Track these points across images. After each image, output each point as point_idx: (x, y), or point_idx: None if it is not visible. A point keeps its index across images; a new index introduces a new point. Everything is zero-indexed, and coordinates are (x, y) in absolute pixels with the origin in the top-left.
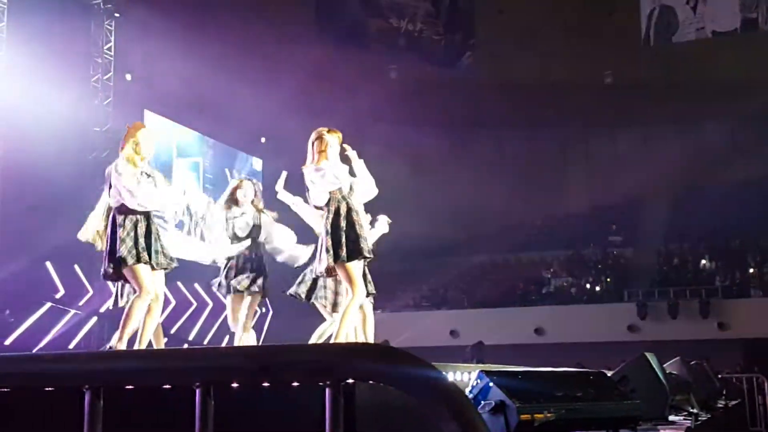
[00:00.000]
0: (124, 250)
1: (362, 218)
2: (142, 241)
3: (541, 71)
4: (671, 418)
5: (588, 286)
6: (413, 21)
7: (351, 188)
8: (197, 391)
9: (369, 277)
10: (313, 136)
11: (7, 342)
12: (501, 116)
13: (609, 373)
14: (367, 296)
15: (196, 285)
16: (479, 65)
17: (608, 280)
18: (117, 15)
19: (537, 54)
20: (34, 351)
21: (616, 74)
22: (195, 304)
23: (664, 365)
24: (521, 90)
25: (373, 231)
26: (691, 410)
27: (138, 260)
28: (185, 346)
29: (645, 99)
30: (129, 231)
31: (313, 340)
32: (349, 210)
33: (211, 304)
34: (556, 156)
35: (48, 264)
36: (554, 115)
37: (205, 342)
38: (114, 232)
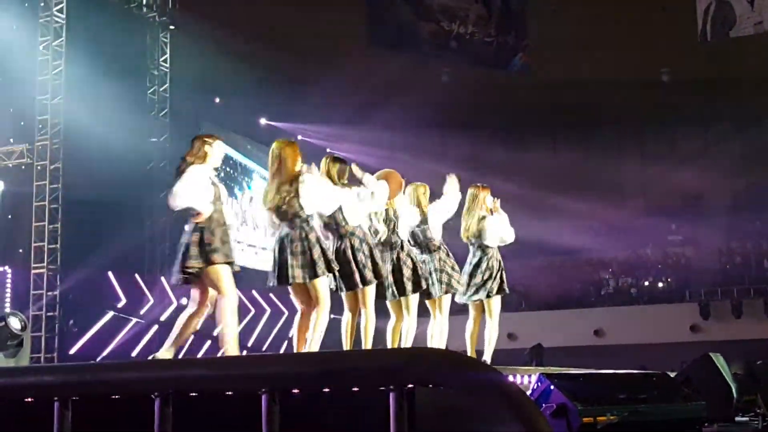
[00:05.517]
0: None
1: None
2: None
3: (596, 70)
4: (738, 419)
5: (648, 285)
6: (465, 24)
7: None
8: (263, 397)
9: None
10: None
11: (72, 351)
12: (555, 117)
13: (672, 375)
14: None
15: (254, 291)
16: (532, 66)
17: (669, 280)
18: (172, 27)
19: (591, 53)
20: (98, 360)
21: (673, 72)
22: (252, 310)
23: (729, 365)
24: (576, 90)
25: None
26: (759, 411)
27: None
28: (244, 352)
29: (703, 96)
30: None
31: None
32: None
33: (269, 310)
34: (612, 155)
35: (109, 274)
36: (610, 115)
37: (264, 348)
38: None
